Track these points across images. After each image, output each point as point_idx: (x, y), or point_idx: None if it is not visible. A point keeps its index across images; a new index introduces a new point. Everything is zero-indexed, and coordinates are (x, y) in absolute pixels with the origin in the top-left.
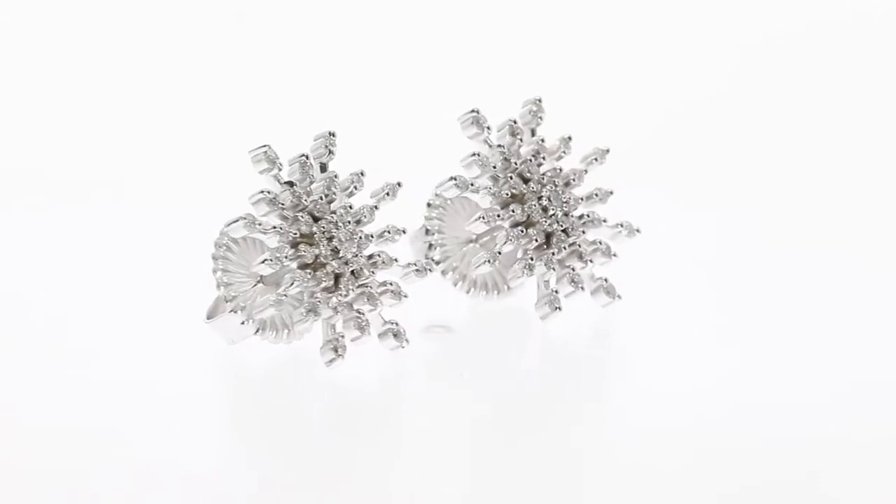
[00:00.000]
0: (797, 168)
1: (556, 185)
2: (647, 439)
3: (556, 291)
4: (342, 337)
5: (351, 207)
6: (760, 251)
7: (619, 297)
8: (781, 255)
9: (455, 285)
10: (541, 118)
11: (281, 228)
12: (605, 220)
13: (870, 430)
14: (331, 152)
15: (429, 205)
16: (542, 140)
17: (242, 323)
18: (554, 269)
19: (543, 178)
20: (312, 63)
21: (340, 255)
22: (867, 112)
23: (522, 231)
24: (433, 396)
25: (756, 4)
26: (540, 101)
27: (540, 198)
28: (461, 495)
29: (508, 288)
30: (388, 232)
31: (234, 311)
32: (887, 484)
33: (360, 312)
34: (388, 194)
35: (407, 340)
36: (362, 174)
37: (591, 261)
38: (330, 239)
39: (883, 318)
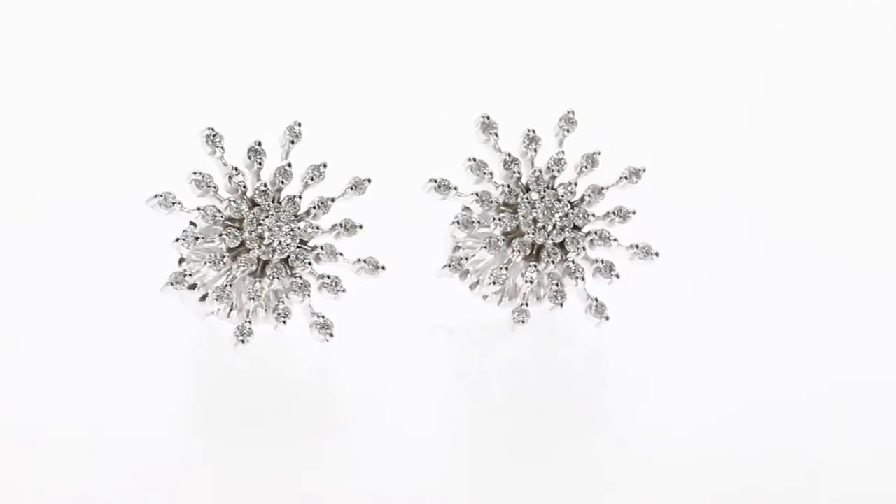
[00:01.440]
0: (798, 172)
1: (558, 199)
2: (649, 443)
3: (526, 304)
4: (249, 323)
5: (299, 198)
6: (763, 256)
7: (606, 318)
8: (785, 262)
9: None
10: (568, 130)
11: (206, 211)
12: (615, 240)
13: (874, 442)
14: (292, 142)
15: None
16: (562, 152)
17: (201, 300)
18: (531, 280)
19: (545, 190)
20: (312, 63)
21: (266, 242)
22: (877, 119)
23: (500, 240)
24: (431, 396)
25: (775, 15)
26: (572, 112)
27: (534, 209)
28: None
29: (485, 297)
30: (341, 225)
31: (191, 287)
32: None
33: (280, 301)
34: (352, 188)
35: (331, 335)
36: (323, 166)
37: (582, 279)
38: (259, 225)
39: (886, 323)
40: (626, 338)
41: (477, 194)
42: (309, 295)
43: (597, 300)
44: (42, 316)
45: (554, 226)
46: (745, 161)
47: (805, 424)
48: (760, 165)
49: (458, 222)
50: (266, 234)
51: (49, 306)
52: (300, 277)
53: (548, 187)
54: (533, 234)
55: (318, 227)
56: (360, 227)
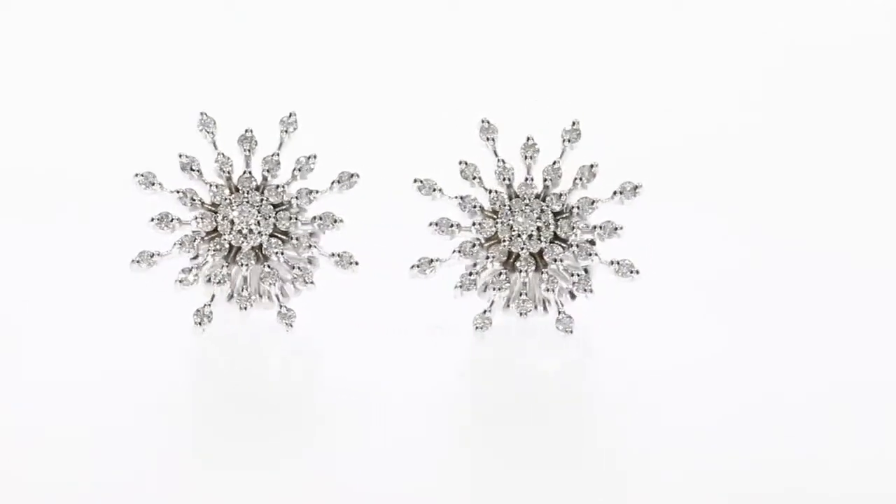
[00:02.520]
0: (791, 174)
1: (542, 209)
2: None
3: (486, 312)
4: (209, 306)
5: (283, 188)
6: (754, 258)
7: (570, 331)
8: (777, 264)
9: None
10: (569, 141)
11: (184, 195)
12: (595, 255)
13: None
14: (285, 131)
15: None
16: (559, 161)
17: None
18: (498, 288)
19: (532, 200)
20: (310, 62)
21: (236, 227)
22: (873, 120)
23: (474, 246)
24: (426, 395)
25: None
26: (577, 122)
27: (513, 217)
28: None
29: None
30: (321, 218)
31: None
32: None
33: (245, 286)
34: (338, 182)
35: (290, 325)
36: (313, 157)
37: (551, 289)
38: (232, 210)
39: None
40: (616, 340)
41: (460, 198)
42: (276, 283)
43: (566, 315)
44: (40, 313)
45: (530, 235)
46: (738, 163)
47: (800, 426)
48: (754, 168)
49: (435, 225)
50: (236, 220)
51: (45, 304)
52: (269, 266)
53: (537, 196)
54: (509, 242)
55: (296, 219)
56: (341, 220)
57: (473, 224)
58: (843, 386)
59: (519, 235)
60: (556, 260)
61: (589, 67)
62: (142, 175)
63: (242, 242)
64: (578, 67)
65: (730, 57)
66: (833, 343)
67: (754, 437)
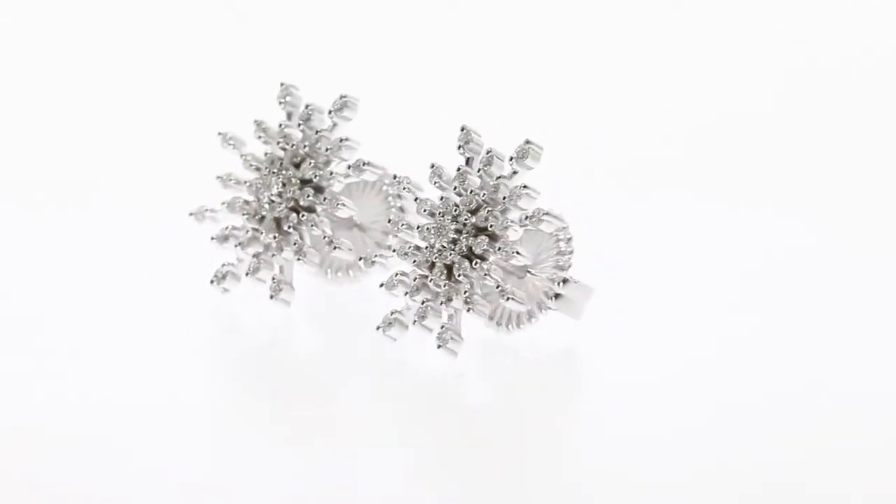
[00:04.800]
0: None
1: (457, 216)
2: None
3: (393, 313)
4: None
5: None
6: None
7: (456, 337)
8: (769, 268)
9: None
10: (519, 158)
11: (232, 203)
12: (489, 270)
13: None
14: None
15: None
16: (504, 177)
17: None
18: (414, 298)
19: (452, 211)
20: (309, 62)
21: (265, 200)
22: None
23: (408, 252)
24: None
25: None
26: (528, 142)
27: (429, 231)
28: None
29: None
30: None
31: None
32: None
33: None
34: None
35: (287, 301)
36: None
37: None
38: (263, 187)
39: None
40: (605, 342)
41: (417, 199)
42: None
43: (445, 328)
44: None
45: (442, 247)
46: (740, 159)
47: (800, 426)
48: (753, 167)
49: (389, 219)
50: (273, 198)
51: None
52: (299, 242)
53: (458, 210)
54: (426, 251)
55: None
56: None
57: (418, 227)
58: (836, 387)
59: (433, 246)
60: (463, 275)
61: (589, 67)
62: (194, 214)
63: (272, 213)
64: (578, 67)
65: (735, 53)
66: (826, 344)
67: (753, 439)
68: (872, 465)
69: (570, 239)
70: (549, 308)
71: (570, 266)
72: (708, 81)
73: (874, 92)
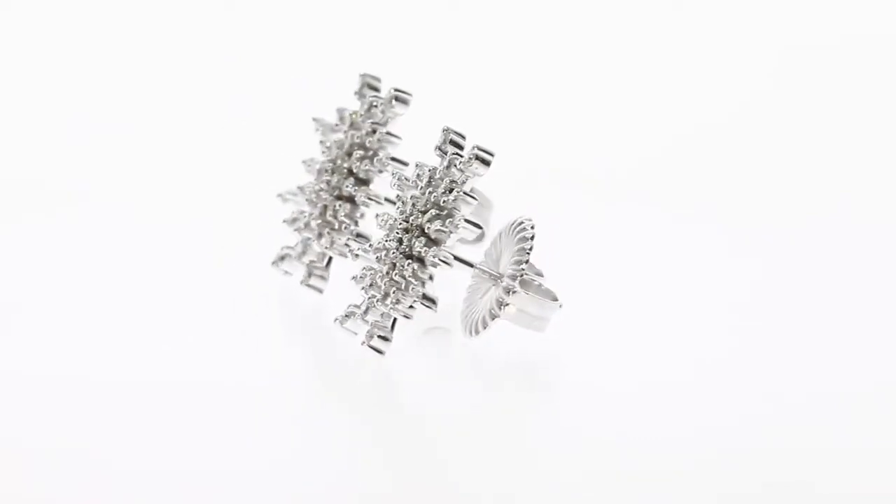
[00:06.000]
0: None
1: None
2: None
3: (355, 304)
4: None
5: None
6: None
7: (385, 338)
8: (761, 269)
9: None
10: (463, 169)
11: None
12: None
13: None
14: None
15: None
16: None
17: None
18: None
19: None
20: (309, 61)
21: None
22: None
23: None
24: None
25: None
26: (475, 147)
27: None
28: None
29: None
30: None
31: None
32: None
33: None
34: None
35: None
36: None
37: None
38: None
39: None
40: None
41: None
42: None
43: (376, 335)
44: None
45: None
46: (731, 170)
47: (800, 425)
48: (744, 176)
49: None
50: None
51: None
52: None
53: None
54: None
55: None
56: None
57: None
58: (832, 390)
59: (389, 244)
60: (403, 276)
61: (589, 68)
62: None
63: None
64: (577, 68)
65: (725, 58)
66: (822, 347)
67: (727, 445)
68: (848, 473)
69: (533, 226)
70: (498, 317)
71: (526, 260)
72: (686, 90)
73: (851, 102)
